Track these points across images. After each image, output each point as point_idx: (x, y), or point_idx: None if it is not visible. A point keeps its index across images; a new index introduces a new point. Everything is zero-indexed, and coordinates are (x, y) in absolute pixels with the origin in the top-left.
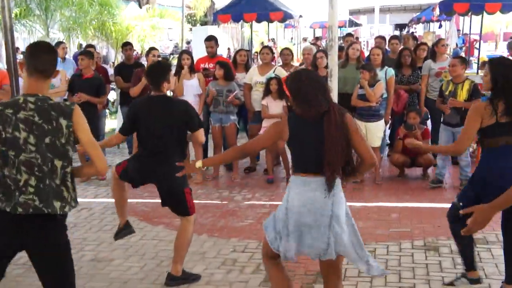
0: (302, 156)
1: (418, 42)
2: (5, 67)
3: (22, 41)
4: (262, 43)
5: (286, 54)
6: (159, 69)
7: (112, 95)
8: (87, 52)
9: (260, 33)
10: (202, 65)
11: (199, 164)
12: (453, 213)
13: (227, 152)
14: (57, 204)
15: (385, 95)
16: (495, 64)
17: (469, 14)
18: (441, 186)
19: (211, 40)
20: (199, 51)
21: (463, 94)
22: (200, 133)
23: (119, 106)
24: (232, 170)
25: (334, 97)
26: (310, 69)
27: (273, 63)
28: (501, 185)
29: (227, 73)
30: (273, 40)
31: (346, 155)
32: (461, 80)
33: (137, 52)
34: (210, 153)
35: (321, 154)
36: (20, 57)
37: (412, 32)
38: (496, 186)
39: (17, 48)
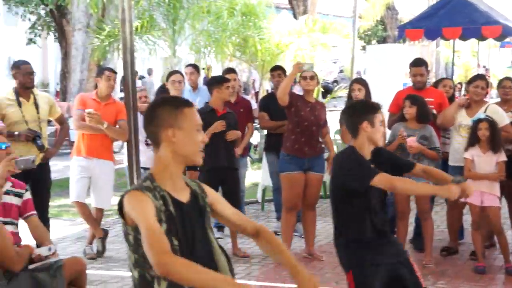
0: None
1: None
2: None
3: (141, 62)
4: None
5: (508, 87)
6: None
7: (256, 137)
8: (227, 79)
9: (464, 54)
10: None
11: None
12: None
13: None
14: None
15: None
16: None
17: None
18: None
19: (421, 66)
20: (374, 77)
21: None
22: None
23: (264, 153)
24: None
25: None
26: None
27: (485, 98)
28: None
29: (420, 112)
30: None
31: None
32: None
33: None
34: None
35: None
36: (139, 83)
37: None
38: None
39: (136, 72)
